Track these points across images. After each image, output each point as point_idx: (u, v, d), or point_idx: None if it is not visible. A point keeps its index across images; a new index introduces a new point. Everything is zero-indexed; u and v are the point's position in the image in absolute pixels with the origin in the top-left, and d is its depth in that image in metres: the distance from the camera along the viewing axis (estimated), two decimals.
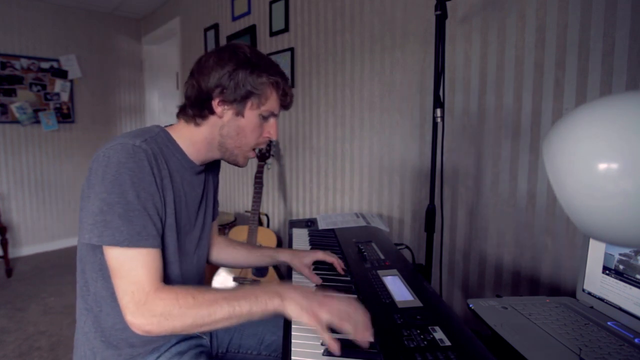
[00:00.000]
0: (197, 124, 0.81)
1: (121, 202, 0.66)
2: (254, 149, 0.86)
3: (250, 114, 0.80)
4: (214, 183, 0.99)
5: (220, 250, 1.08)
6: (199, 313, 0.64)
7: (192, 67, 0.81)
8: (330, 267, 0.98)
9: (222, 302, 0.65)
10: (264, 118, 0.82)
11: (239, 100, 0.78)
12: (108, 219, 0.66)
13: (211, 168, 0.96)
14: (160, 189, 0.73)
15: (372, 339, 0.63)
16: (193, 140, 0.82)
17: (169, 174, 0.77)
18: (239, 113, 0.79)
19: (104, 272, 0.74)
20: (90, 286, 0.76)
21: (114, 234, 0.65)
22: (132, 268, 0.66)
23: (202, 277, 0.95)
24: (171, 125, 0.86)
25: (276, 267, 2.06)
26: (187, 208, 0.84)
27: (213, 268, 2.18)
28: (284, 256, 1.03)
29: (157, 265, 0.69)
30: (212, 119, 0.81)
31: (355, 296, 0.81)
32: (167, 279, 0.77)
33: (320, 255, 0.99)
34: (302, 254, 1.00)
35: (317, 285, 0.91)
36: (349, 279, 0.92)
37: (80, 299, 0.79)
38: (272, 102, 0.81)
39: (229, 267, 1.10)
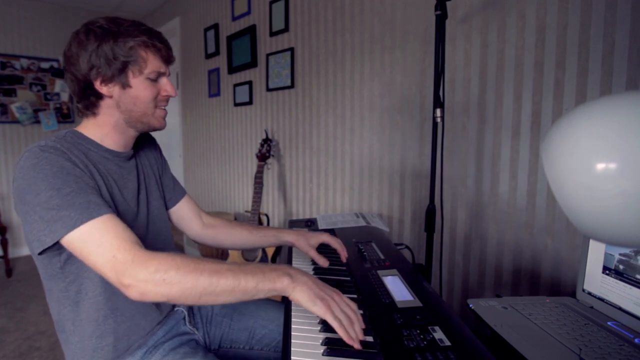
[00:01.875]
0: (94, 114, 0.79)
1: (53, 194, 0.64)
2: (162, 108, 0.83)
3: (137, 82, 0.77)
4: (154, 167, 0.96)
5: (218, 232, 1.06)
6: (199, 279, 0.60)
7: (62, 65, 0.78)
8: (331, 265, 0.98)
9: (227, 273, 0.62)
10: (153, 80, 0.79)
11: (117, 74, 0.75)
12: (53, 214, 0.63)
13: (144, 152, 0.94)
14: (86, 172, 0.71)
15: (359, 347, 0.61)
16: (103, 131, 0.80)
17: (91, 164, 0.75)
18: (125, 85, 0.76)
19: (68, 278, 0.73)
20: (60, 304, 0.76)
21: (64, 223, 0.63)
22: (99, 238, 0.63)
23: None
24: (78, 125, 0.83)
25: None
26: (123, 195, 0.82)
27: None
28: (289, 236, 1.00)
29: (123, 227, 0.65)
30: (104, 103, 0.78)
31: (356, 296, 0.81)
32: None
33: (326, 238, 0.97)
34: (308, 235, 0.98)
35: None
36: (349, 279, 0.91)
37: (59, 315, 0.77)
38: (152, 62, 0.77)
39: (230, 248, 1.09)
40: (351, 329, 0.61)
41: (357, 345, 0.60)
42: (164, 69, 0.80)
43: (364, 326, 0.64)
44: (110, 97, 0.77)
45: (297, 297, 0.63)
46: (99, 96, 0.77)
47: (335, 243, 0.98)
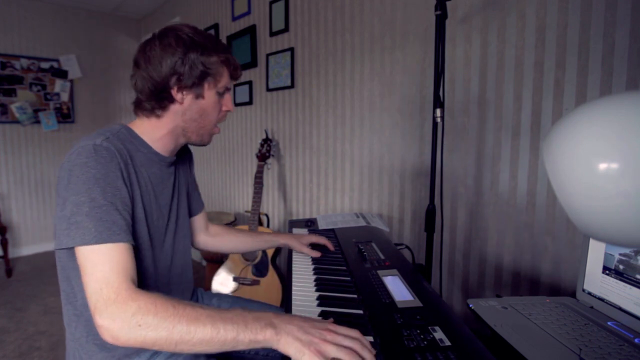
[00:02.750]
0: (158, 116, 0.81)
1: (87, 200, 0.65)
2: (217, 126, 0.89)
3: (209, 94, 0.81)
4: (186, 177, 1.00)
5: (222, 240, 1.15)
6: (176, 327, 0.56)
7: (136, 58, 0.79)
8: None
9: (206, 321, 0.57)
10: (220, 94, 0.84)
11: (197, 84, 0.78)
12: (78, 220, 0.64)
13: (182, 161, 0.96)
14: (127, 183, 0.72)
15: None
16: (158, 134, 0.83)
17: (134, 170, 0.76)
18: (199, 95, 0.80)
19: (76, 291, 0.74)
20: (77, 293, 0.76)
21: (83, 234, 0.63)
22: (98, 263, 0.62)
23: (186, 271, 0.95)
24: (132, 122, 0.85)
25: (276, 267, 2.07)
26: (157, 201, 0.84)
27: (213, 268, 2.18)
28: (283, 239, 1.14)
29: (126, 260, 0.65)
30: (173, 107, 0.81)
31: (356, 296, 0.81)
32: (141, 271, 0.77)
33: (314, 238, 1.12)
34: (300, 236, 1.14)
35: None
36: (349, 279, 0.91)
37: (68, 305, 0.78)
38: (225, 78, 0.83)
39: (231, 253, 1.20)
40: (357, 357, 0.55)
41: None
42: (230, 85, 0.86)
43: (374, 351, 0.57)
44: (181, 104, 0.80)
45: (284, 350, 0.56)
46: (171, 100, 0.79)
47: (321, 240, 1.12)
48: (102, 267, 0.62)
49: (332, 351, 0.55)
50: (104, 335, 0.58)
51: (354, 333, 0.59)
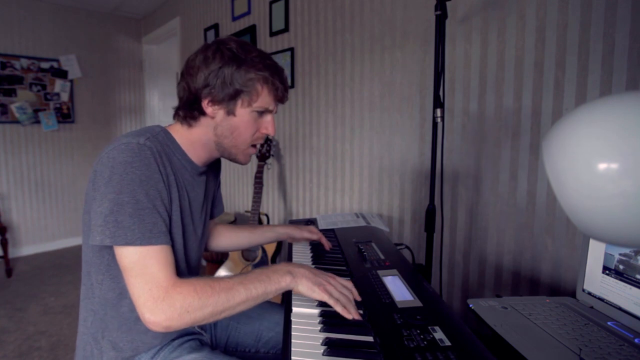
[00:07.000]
0: (189, 125, 0.81)
1: (131, 201, 0.66)
2: (253, 146, 0.85)
3: (243, 112, 0.78)
4: (214, 183, 1.00)
5: (222, 237, 1.12)
6: (218, 301, 0.65)
7: (182, 68, 0.80)
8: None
9: (239, 287, 0.67)
10: (259, 114, 0.80)
11: (228, 99, 0.76)
12: (119, 219, 0.65)
13: (212, 169, 0.96)
14: (166, 186, 0.73)
15: (359, 318, 0.70)
16: (191, 142, 0.82)
17: (172, 172, 0.77)
18: (230, 112, 0.78)
19: (111, 272, 0.74)
20: (95, 289, 0.77)
21: (126, 234, 0.65)
22: (146, 265, 0.65)
23: (198, 271, 0.97)
24: (170, 125, 0.85)
25: None
26: (191, 208, 0.84)
27: (213, 268, 2.18)
28: (282, 228, 1.14)
29: (171, 260, 0.69)
30: (204, 120, 0.80)
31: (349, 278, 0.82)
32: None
33: (307, 234, 1.12)
34: (299, 227, 1.14)
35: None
36: (349, 278, 0.91)
37: (86, 300, 0.79)
38: (264, 97, 0.78)
39: (232, 250, 1.17)
40: (349, 304, 0.71)
41: (356, 317, 0.69)
42: (272, 106, 0.81)
43: (359, 299, 0.75)
44: (212, 118, 0.79)
45: (299, 290, 0.72)
46: (202, 113, 0.78)
47: (317, 236, 1.11)
48: (150, 269, 0.66)
49: (334, 292, 0.71)
50: (155, 328, 0.64)
51: (349, 284, 0.77)
